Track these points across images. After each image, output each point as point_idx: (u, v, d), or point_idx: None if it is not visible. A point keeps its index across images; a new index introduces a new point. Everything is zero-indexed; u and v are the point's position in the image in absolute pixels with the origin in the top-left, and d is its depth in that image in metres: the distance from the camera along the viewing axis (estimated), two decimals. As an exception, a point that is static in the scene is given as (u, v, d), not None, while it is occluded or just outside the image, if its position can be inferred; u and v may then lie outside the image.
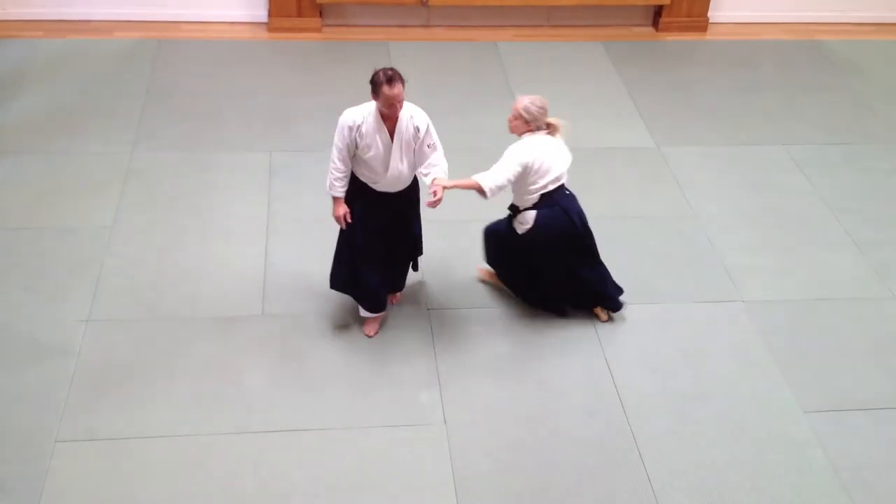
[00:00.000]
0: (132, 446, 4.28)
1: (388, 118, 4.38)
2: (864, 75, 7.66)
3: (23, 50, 7.20)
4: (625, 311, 5.15)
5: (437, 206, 4.43)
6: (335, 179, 4.54)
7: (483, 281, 5.30)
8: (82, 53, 7.23)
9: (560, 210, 4.73)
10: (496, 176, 4.54)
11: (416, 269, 5.12)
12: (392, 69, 4.25)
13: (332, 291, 5.00)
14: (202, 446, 4.30)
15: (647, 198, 6.09)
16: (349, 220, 4.63)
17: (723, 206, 6.05)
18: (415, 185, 4.71)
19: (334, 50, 7.53)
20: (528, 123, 4.62)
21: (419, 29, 7.93)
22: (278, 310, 5.06)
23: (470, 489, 4.20)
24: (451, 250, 5.50)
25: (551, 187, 4.68)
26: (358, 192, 4.63)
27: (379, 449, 4.35)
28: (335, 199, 4.61)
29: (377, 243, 4.72)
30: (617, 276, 5.08)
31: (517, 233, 4.84)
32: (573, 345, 4.96)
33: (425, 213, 4.81)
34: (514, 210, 4.83)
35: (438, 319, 5.07)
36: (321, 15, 7.77)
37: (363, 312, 4.90)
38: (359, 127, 4.37)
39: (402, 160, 4.48)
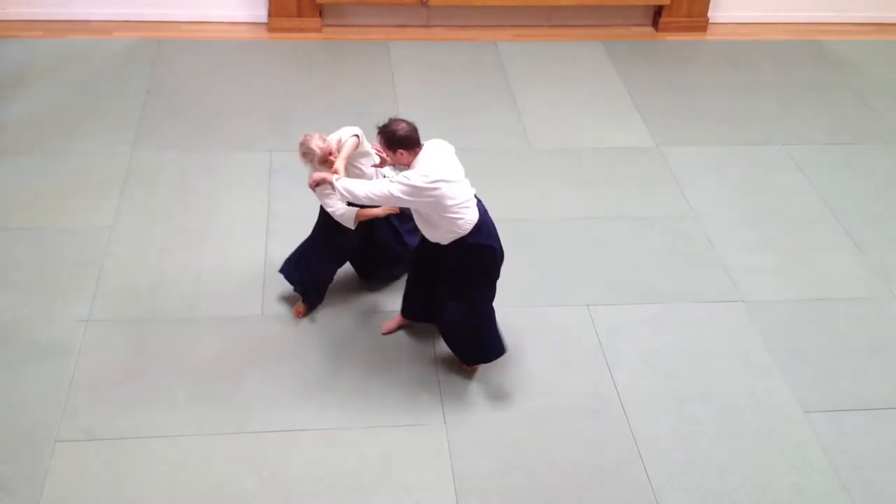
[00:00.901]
0: (132, 446, 4.28)
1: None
2: (864, 75, 7.65)
3: (23, 50, 7.20)
4: (625, 311, 5.15)
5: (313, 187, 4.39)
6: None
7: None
8: (82, 53, 7.22)
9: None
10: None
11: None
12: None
13: (332, 291, 5.01)
14: (202, 446, 4.31)
15: (646, 198, 6.09)
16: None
17: (723, 206, 6.05)
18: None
19: (334, 50, 7.53)
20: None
21: (419, 29, 7.92)
22: (278, 310, 5.06)
23: (470, 489, 4.20)
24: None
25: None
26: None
27: (379, 449, 4.35)
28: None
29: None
30: (617, 275, 5.07)
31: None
32: (573, 345, 4.96)
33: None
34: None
35: (438, 319, 5.07)
36: (321, 15, 7.77)
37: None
38: None
39: None
